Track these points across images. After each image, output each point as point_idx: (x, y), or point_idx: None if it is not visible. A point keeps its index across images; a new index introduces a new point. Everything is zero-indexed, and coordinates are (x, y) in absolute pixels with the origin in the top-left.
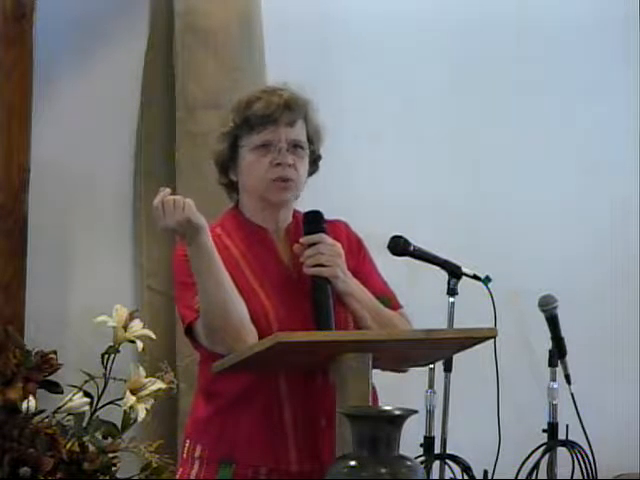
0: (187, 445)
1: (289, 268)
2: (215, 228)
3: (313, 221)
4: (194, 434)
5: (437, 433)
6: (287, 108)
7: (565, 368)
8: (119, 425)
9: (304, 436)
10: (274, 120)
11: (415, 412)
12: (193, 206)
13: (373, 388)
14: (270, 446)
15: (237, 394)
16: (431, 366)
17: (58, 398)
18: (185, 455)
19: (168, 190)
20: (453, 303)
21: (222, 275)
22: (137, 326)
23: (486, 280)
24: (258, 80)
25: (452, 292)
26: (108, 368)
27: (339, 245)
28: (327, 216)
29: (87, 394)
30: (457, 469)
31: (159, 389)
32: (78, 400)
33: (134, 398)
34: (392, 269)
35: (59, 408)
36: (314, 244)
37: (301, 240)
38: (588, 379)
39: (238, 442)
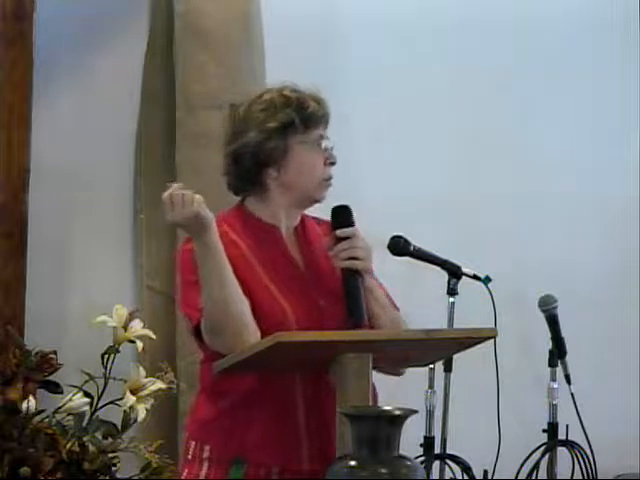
0: (193, 446)
1: (299, 266)
2: (221, 224)
3: (344, 214)
4: (200, 434)
5: (437, 433)
6: (327, 110)
7: (565, 368)
8: (119, 425)
9: (316, 434)
10: (326, 121)
11: (415, 412)
12: (203, 202)
13: (373, 388)
14: (282, 445)
15: (244, 393)
16: (431, 366)
17: (58, 398)
18: (191, 456)
19: (178, 185)
20: (453, 303)
21: (226, 273)
22: (137, 326)
23: (486, 280)
24: (258, 80)
25: (452, 292)
26: (108, 368)
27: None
28: (326, 216)
29: (87, 394)
30: (457, 469)
31: (159, 389)
32: (78, 400)
33: (134, 398)
34: (392, 269)
35: (59, 408)
36: (347, 237)
37: (337, 232)
38: (588, 379)
39: (249, 441)
